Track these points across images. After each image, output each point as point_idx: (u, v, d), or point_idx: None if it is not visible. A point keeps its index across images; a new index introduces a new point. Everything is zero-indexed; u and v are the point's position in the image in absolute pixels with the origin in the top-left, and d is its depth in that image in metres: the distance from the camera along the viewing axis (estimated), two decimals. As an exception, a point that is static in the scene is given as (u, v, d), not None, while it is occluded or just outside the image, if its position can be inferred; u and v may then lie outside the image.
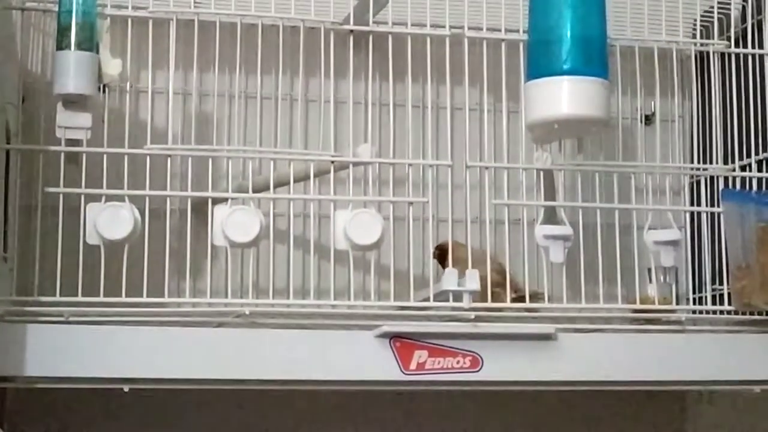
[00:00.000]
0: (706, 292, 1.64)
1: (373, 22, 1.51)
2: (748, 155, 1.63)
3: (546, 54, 1.46)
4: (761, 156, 1.62)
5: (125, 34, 1.45)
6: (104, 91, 1.63)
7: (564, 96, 1.44)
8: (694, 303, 1.70)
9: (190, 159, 1.44)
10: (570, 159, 1.57)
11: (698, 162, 1.73)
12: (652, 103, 1.78)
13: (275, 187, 1.47)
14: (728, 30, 1.70)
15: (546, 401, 1.81)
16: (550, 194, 1.59)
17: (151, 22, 1.45)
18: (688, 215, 1.67)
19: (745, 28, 1.69)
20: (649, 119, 1.83)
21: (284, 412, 1.76)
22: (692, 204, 1.68)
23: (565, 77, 1.44)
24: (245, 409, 1.76)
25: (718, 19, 1.68)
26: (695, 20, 1.73)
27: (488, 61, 1.53)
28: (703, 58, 1.70)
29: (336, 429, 1.81)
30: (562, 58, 1.45)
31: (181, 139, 1.59)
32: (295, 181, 1.48)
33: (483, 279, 1.46)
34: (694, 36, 1.72)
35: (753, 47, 1.65)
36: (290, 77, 1.60)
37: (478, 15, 1.53)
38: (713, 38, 1.66)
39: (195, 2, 1.50)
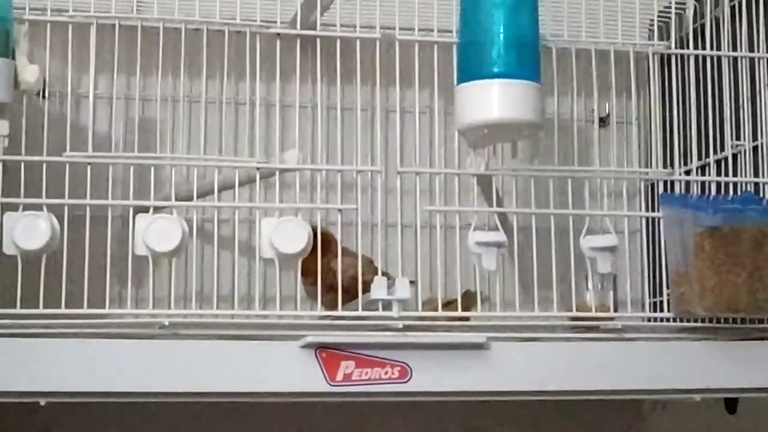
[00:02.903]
0: (647, 299, 1.61)
1: (305, 26, 1.49)
2: (691, 159, 1.60)
3: (477, 57, 1.44)
4: (703, 161, 1.59)
5: (66, 38, 1.42)
6: (44, 97, 1.63)
7: (494, 100, 1.42)
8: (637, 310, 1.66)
9: (110, 167, 1.41)
10: (509, 162, 1.53)
11: (646, 166, 1.69)
12: (606, 104, 1.75)
13: (202, 196, 1.44)
14: (680, 30, 1.67)
15: (494, 413, 1.77)
16: (490, 199, 1.56)
17: (94, 26, 1.42)
18: (644, 220, 1.64)
19: (696, 29, 1.66)
20: (603, 121, 1.80)
21: (214, 424, 1.73)
22: (647, 208, 1.65)
23: (496, 80, 1.42)
24: (170, 423, 1.73)
25: (669, 20, 1.64)
26: (651, 20, 1.70)
27: (425, 63, 1.50)
28: (663, 61, 1.66)
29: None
30: (492, 61, 1.42)
31: (116, 145, 1.57)
32: (223, 189, 1.45)
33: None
34: (651, 37, 1.68)
35: (699, 48, 1.62)
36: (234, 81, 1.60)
37: (412, 16, 1.50)
38: (667, 39, 1.62)
39: (138, 6, 1.48)
